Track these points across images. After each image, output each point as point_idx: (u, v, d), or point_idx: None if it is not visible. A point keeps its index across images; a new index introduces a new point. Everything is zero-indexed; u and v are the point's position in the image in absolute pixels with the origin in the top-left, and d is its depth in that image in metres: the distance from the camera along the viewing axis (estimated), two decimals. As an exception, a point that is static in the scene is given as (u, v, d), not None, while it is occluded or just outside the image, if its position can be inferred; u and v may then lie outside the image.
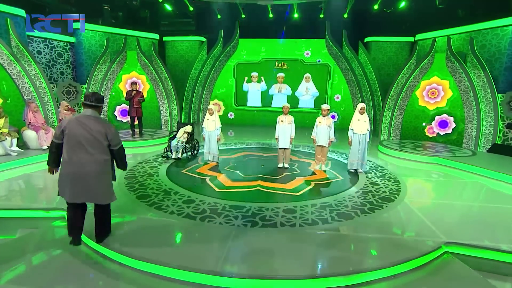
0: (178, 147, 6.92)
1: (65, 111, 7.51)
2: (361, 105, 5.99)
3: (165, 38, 13.52)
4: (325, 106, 6.08)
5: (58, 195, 3.14)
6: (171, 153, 7.02)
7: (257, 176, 5.71)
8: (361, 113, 5.97)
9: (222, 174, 5.90)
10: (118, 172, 3.64)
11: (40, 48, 10.02)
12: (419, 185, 5.78)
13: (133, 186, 5.06)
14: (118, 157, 3.20)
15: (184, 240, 3.49)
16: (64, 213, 3.67)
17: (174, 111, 11.80)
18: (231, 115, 13.57)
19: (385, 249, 3.26)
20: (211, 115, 6.54)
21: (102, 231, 3.30)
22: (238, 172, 6.09)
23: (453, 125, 8.92)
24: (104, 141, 3.04)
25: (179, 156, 6.98)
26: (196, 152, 7.41)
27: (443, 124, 9.17)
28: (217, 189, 5.02)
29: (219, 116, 13.67)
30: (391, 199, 4.72)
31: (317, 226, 3.71)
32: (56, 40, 10.38)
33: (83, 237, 3.34)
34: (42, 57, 10.09)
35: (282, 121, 6.29)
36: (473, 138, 8.31)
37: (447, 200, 5.00)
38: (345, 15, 12.09)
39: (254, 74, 13.08)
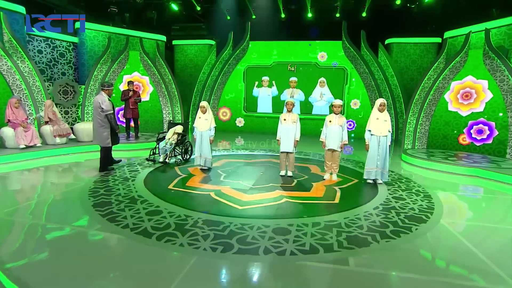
0: (166, 150, 6.05)
1: (49, 110, 6.89)
2: (380, 100, 4.88)
3: (174, 42, 13.07)
4: (337, 102, 5.03)
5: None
6: (159, 156, 6.16)
7: (233, 182, 4.88)
8: (381, 111, 4.87)
9: (203, 176, 5.30)
10: (92, 172, 5.27)
11: (41, 47, 9.69)
12: (458, 202, 4.53)
13: (98, 191, 4.19)
14: (108, 120, 5.22)
15: (117, 269, 2.43)
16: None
17: (178, 115, 11.11)
18: (240, 121, 12.68)
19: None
20: (203, 113, 5.65)
21: (101, 166, 5.38)
22: (222, 176, 5.30)
23: (495, 132, 7.49)
24: (99, 108, 5.14)
25: (167, 160, 6.11)
26: (188, 156, 6.51)
27: (479, 132, 7.78)
28: (170, 187, 4.58)
29: (227, 122, 13.13)
30: (422, 219, 3.54)
31: (316, 255, 2.62)
32: (59, 39, 10.05)
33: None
34: (43, 57, 9.74)
35: (285, 119, 5.28)
36: (520, 148, 6.90)
37: (503, 224, 3.72)
38: (364, 14, 11.10)
39: (265, 78, 12.22)
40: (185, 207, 3.66)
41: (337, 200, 4.16)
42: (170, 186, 4.60)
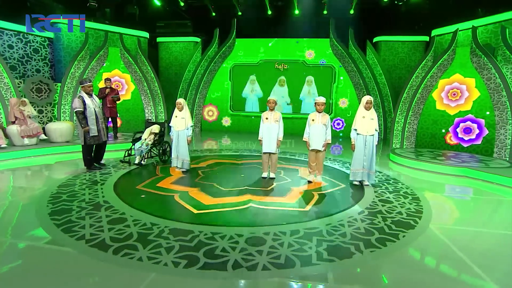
0: (142, 151, 5.67)
1: (15, 109, 6.41)
2: (366, 98, 4.64)
3: (158, 39, 12.61)
4: (320, 99, 4.75)
5: None
6: (135, 157, 5.78)
7: (206, 184, 4.61)
8: (367, 109, 4.62)
9: (179, 176, 5.03)
10: (59, 175, 4.88)
11: (12, 42, 9.11)
12: (447, 205, 4.33)
13: (59, 197, 3.80)
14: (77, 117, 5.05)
15: None
16: None
17: (161, 114, 10.70)
18: (226, 121, 12.34)
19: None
20: (180, 111, 5.30)
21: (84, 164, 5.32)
22: (199, 177, 5.02)
23: (485, 132, 7.34)
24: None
25: (143, 161, 5.74)
26: (166, 157, 6.15)
27: (466, 131, 7.66)
28: (138, 187, 4.37)
29: (213, 122, 12.75)
30: (410, 224, 3.30)
31: (291, 269, 2.32)
32: (32, 34, 9.48)
33: None
34: (14, 52, 9.17)
35: (267, 118, 4.98)
36: (507, 146, 6.80)
37: (495, 228, 3.49)
38: (352, 11, 10.92)
39: (252, 77, 11.94)
40: (153, 214, 3.32)
41: (308, 208, 3.72)
42: (139, 186, 4.33)
